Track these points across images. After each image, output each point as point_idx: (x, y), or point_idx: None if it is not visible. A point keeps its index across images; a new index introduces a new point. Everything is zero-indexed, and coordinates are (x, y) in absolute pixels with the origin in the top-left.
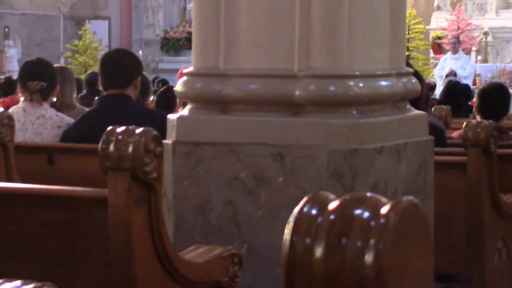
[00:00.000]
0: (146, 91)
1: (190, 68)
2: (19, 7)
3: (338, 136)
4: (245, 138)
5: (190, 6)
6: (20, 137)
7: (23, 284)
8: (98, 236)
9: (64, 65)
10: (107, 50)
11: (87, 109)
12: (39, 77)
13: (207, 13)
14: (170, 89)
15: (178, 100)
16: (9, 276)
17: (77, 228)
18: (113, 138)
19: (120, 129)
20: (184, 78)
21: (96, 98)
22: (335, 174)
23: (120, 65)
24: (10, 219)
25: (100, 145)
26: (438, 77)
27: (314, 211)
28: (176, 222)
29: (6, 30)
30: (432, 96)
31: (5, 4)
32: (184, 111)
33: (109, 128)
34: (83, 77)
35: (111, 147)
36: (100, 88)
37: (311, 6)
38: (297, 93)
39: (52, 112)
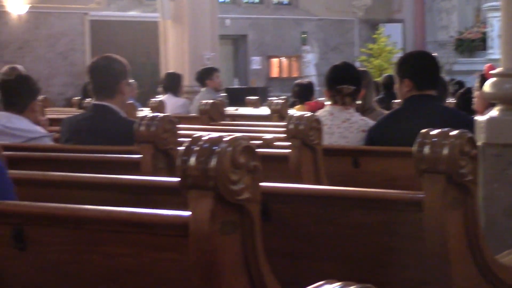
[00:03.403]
0: (444, 93)
1: (499, 69)
2: (316, 13)
3: None
4: None
5: (485, 6)
6: (326, 140)
7: (344, 286)
8: (413, 238)
9: (365, 68)
10: (401, 53)
11: (386, 112)
12: (347, 81)
13: None
14: (469, 91)
15: (479, 102)
16: (324, 277)
17: (391, 230)
18: (428, 141)
19: (434, 131)
20: (493, 79)
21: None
22: None
23: (436, 67)
24: (325, 220)
25: (415, 147)
26: None
27: None
28: (485, 224)
29: (304, 36)
30: None
31: (303, 10)
32: (493, 113)
33: (424, 130)
34: (378, 80)
35: (426, 150)
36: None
37: None
38: None
39: (357, 116)
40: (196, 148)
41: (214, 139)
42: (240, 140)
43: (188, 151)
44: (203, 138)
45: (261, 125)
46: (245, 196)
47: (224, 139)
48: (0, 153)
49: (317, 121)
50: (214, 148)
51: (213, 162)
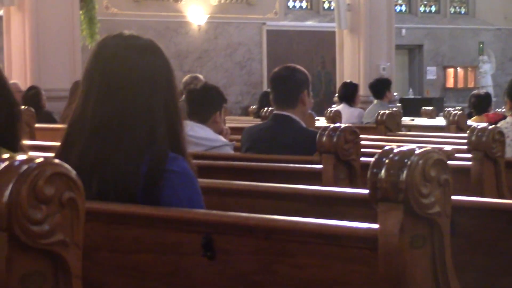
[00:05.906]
0: None
1: None
2: (494, 22)
3: None
4: None
5: None
6: (508, 153)
7: None
8: None
9: None
10: None
11: None
12: None
13: None
14: None
15: None
16: None
17: None
18: None
19: None
20: None
21: None
22: None
23: None
24: (510, 236)
25: None
26: None
27: None
28: None
29: (481, 45)
30: None
31: (480, 20)
32: None
33: None
34: None
35: None
36: None
37: None
38: None
39: None
40: (387, 161)
41: (405, 151)
42: (431, 153)
43: (379, 164)
44: (394, 151)
45: (438, 136)
46: (435, 210)
47: (415, 151)
48: (190, 162)
49: (500, 133)
50: (405, 160)
51: (404, 175)
